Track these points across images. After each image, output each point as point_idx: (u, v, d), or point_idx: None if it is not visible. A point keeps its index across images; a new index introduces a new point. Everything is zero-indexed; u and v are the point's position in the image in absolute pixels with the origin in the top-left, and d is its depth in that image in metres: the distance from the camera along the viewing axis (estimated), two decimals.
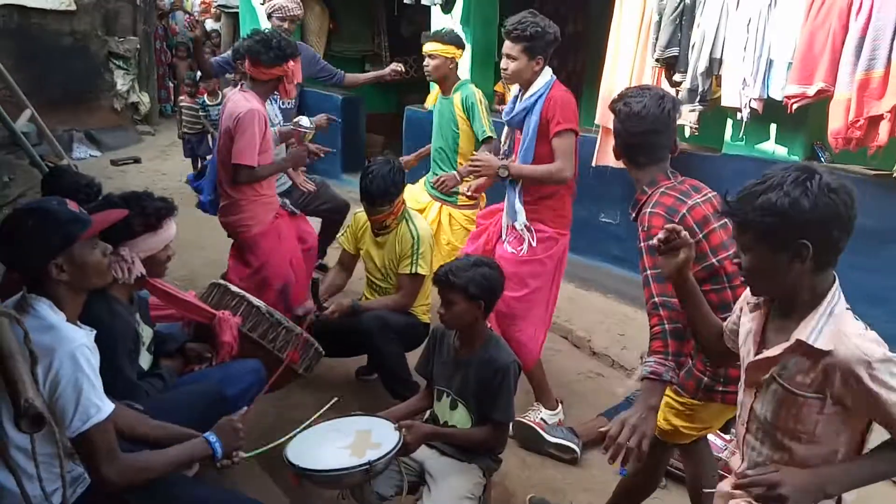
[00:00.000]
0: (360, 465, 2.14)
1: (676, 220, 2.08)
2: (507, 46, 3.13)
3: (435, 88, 4.27)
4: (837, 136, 3.59)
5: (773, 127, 4.14)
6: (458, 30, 5.63)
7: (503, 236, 3.36)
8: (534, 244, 3.24)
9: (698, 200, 2.20)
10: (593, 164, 4.73)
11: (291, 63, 3.57)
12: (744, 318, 1.76)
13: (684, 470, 2.66)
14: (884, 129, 3.45)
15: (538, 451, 3.30)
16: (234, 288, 2.93)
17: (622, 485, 2.63)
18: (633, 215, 2.28)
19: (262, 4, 5.19)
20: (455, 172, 3.89)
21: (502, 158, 3.34)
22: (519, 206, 3.23)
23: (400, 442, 2.25)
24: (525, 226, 3.24)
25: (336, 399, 2.51)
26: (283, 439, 2.28)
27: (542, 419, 3.35)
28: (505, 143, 3.44)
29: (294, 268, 3.77)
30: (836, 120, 3.57)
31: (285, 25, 4.69)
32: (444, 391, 2.61)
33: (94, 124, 9.37)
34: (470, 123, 4.01)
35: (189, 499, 2.03)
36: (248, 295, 2.91)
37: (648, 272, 2.13)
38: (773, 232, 1.50)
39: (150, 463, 1.91)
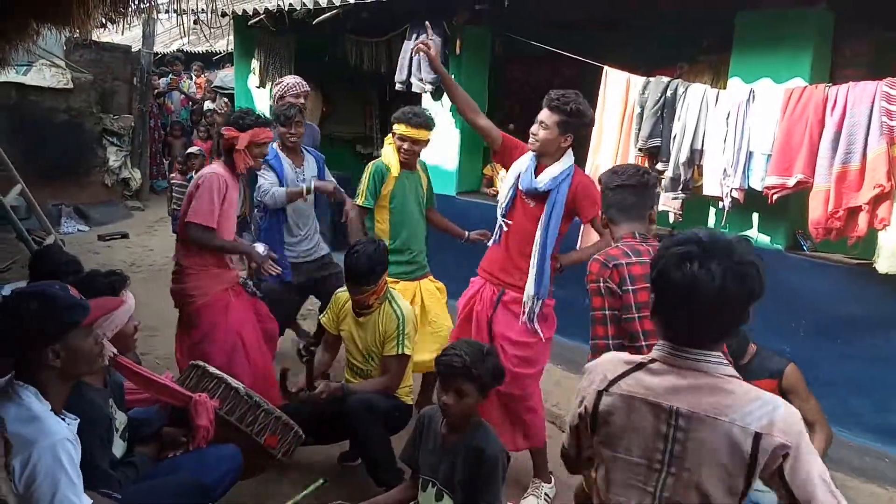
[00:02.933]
0: None
1: (610, 268, 2.27)
2: (544, 115, 3.13)
3: (396, 164, 4.03)
4: (818, 226, 3.66)
5: (755, 215, 4.23)
6: (449, 116, 5.81)
7: (525, 317, 3.25)
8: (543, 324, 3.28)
9: (645, 260, 2.28)
10: (577, 247, 4.78)
11: (244, 134, 3.56)
12: None
13: None
14: (863, 220, 3.53)
15: None
16: (212, 369, 2.89)
17: None
18: None
19: (271, 89, 5.16)
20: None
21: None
22: (546, 281, 3.22)
23: None
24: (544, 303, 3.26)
25: (322, 482, 2.45)
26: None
27: (545, 494, 3.33)
28: (503, 204, 3.34)
29: (247, 347, 3.64)
30: (816, 210, 3.66)
31: (301, 101, 4.66)
32: (429, 480, 2.55)
33: (84, 199, 9.42)
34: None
35: None
36: (226, 377, 2.87)
37: (591, 313, 2.33)
38: (651, 278, 1.55)
39: None
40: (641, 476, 1.50)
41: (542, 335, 3.25)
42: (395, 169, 3.92)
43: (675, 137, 4.21)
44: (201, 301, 3.57)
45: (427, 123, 3.87)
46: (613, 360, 1.58)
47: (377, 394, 3.29)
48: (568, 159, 3.21)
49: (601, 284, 2.28)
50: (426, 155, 6.02)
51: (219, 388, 2.80)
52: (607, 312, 2.28)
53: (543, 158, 3.20)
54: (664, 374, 1.49)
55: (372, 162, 4.05)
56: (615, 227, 2.47)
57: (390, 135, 4.00)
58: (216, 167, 3.62)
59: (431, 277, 4.17)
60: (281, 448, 2.92)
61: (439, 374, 2.48)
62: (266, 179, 4.18)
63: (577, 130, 3.19)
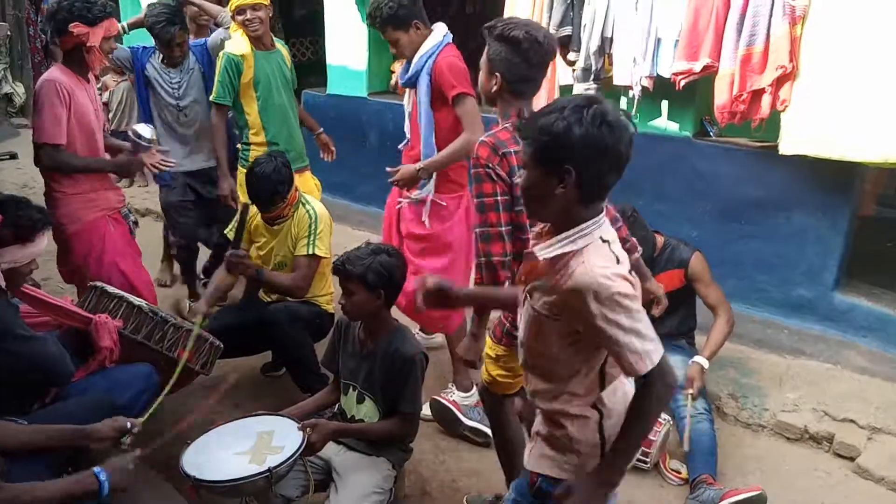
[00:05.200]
0: (261, 473, 2.06)
1: (499, 155, 2.18)
2: (382, 35, 3.15)
3: (247, 49, 3.80)
4: (723, 110, 3.71)
5: (664, 104, 4.25)
6: (354, 10, 5.51)
7: (404, 202, 3.36)
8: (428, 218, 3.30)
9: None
10: None
11: (96, 28, 3.11)
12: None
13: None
14: (766, 102, 3.59)
15: (453, 433, 3.29)
16: (111, 289, 2.74)
17: (498, 453, 2.67)
18: None
19: None
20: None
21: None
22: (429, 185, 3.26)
23: (303, 443, 2.18)
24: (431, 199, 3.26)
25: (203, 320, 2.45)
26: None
27: (454, 401, 3.34)
28: (407, 105, 3.38)
29: (128, 276, 3.36)
30: (722, 94, 3.69)
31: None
32: (350, 384, 2.55)
33: None
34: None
35: None
36: (127, 295, 2.74)
37: (474, 200, 2.22)
38: (546, 153, 1.54)
39: (30, 496, 1.80)
40: None
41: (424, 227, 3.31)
42: (247, 52, 3.75)
43: (585, 26, 4.12)
44: (72, 228, 3.24)
45: None
46: (605, 258, 1.57)
47: (298, 302, 3.25)
48: (431, 40, 3.16)
49: (491, 170, 2.17)
50: (331, 54, 5.79)
51: (120, 307, 2.68)
52: (499, 198, 2.19)
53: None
54: (612, 237, 1.61)
55: (221, 53, 3.82)
56: (509, 100, 2.29)
57: (229, 16, 3.85)
58: (53, 72, 3.17)
59: (310, 173, 4.05)
60: (198, 360, 2.84)
61: (333, 274, 2.53)
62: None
63: (413, 16, 3.13)
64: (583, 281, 1.52)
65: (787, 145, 3.58)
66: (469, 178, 2.27)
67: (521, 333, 1.78)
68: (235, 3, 3.67)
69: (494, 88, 2.28)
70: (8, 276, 2.20)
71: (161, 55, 4.02)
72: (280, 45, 3.98)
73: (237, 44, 3.80)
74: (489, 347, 2.44)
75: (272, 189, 3.12)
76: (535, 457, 1.80)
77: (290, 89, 3.95)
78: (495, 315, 2.47)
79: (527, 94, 2.31)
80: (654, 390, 1.56)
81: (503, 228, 2.19)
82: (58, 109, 3.08)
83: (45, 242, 2.35)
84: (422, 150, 3.24)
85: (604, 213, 1.61)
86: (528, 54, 2.22)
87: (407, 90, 3.38)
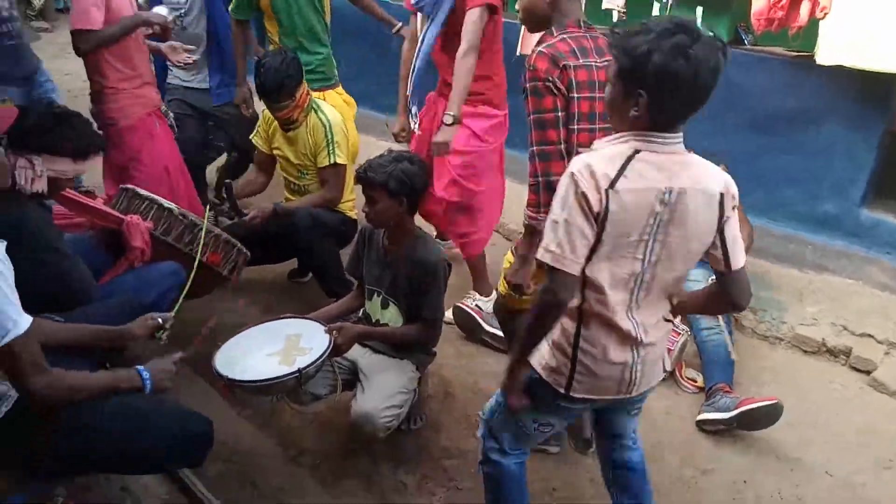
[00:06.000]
0: (291, 373, 2.14)
1: (560, 67, 2.10)
2: None
3: None
4: (760, 16, 3.58)
5: (699, 9, 4.09)
6: None
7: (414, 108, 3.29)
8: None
9: (593, 63, 2.17)
10: (518, 52, 4.62)
11: None
12: None
13: None
14: (804, 9, 3.45)
15: (474, 338, 3.38)
16: (142, 191, 2.78)
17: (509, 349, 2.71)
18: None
19: None
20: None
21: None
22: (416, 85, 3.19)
23: (330, 345, 2.25)
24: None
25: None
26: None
27: (477, 306, 3.41)
28: (421, 34, 3.22)
29: (174, 178, 3.49)
30: (759, 0, 3.55)
31: None
32: (374, 290, 2.61)
33: None
34: None
35: (122, 407, 1.99)
36: (158, 198, 2.77)
37: (531, 117, 2.16)
38: (624, 73, 1.54)
39: (80, 383, 1.85)
40: (632, 249, 1.61)
41: (480, 142, 3.21)
42: None
43: None
44: (125, 123, 3.36)
45: None
46: (602, 158, 1.57)
47: (322, 209, 3.28)
48: None
49: (551, 83, 2.10)
50: None
51: (151, 209, 2.71)
52: (559, 114, 2.13)
53: None
54: (654, 162, 1.57)
55: None
56: (564, 10, 2.23)
57: None
58: None
59: (340, 89, 3.97)
60: (226, 265, 2.89)
61: (355, 182, 2.53)
62: None
63: None
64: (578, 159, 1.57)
65: (825, 54, 3.47)
66: (524, 91, 2.16)
67: None
68: None
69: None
70: (51, 184, 2.24)
71: None
72: None
73: None
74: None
75: (279, 81, 3.08)
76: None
77: (316, 9, 3.74)
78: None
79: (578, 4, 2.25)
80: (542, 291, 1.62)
81: (562, 146, 2.14)
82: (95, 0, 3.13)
83: (90, 167, 2.39)
84: (415, 70, 3.15)
85: (672, 139, 1.59)
86: None
87: (418, 16, 3.22)
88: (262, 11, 3.72)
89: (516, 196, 4.71)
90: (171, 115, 3.65)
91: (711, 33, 1.52)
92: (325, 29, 3.81)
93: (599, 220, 1.55)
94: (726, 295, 1.73)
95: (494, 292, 3.48)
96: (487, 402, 2.07)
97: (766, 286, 3.69)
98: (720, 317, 3.16)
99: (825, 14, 3.40)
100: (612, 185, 1.53)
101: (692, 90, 1.50)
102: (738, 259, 1.67)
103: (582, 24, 2.24)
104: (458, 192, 3.26)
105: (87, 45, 3.21)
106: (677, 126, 1.58)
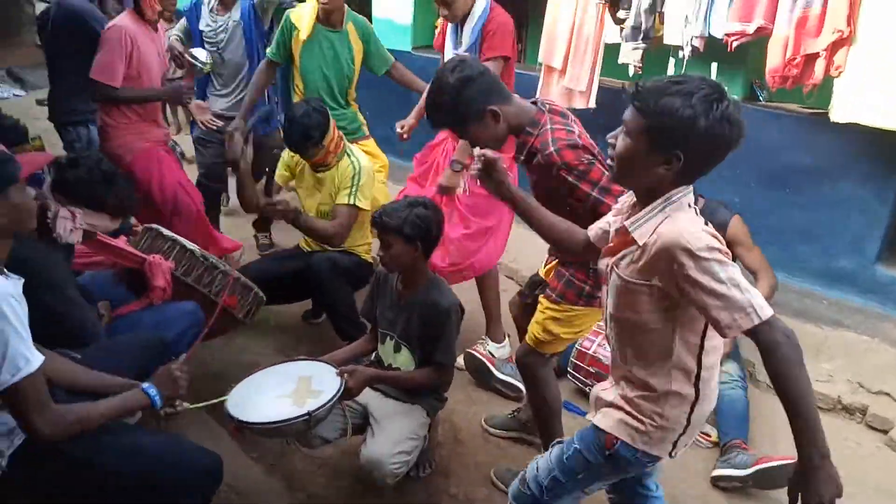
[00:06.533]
0: (300, 416, 2.13)
1: (580, 148, 2.13)
2: None
3: (309, 20, 3.70)
4: (775, 73, 3.62)
5: (713, 66, 4.16)
6: None
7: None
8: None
9: (577, 130, 2.22)
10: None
11: None
12: (613, 219, 1.83)
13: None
14: (819, 67, 3.49)
15: (485, 385, 3.36)
16: (165, 231, 2.84)
17: (535, 415, 2.65)
18: (522, 157, 2.24)
19: None
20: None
21: None
22: None
23: (342, 388, 2.25)
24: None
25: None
26: (226, 397, 2.23)
27: (489, 352, 3.40)
28: None
29: (191, 195, 3.60)
30: (774, 58, 3.60)
31: None
32: (387, 334, 2.62)
33: (16, 61, 8.86)
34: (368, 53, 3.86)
35: (130, 446, 1.99)
36: (180, 238, 2.82)
37: (596, 186, 2.13)
38: (661, 133, 1.52)
39: (84, 414, 1.85)
40: None
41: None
42: (304, 30, 3.64)
43: None
44: (129, 157, 3.48)
45: None
46: (695, 221, 1.55)
47: (339, 252, 3.31)
48: (479, 6, 3.14)
49: (589, 157, 2.13)
50: (377, 7, 5.74)
51: (173, 250, 2.76)
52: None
53: (464, 21, 3.17)
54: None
55: (289, 10, 3.78)
56: (510, 111, 2.20)
57: None
58: (123, 18, 3.41)
59: (367, 143, 3.97)
60: (242, 309, 2.93)
61: (372, 227, 2.55)
62: (173, 30, 3.95)
63: None
64: (670, 238, 1.51)
65: (840, 112, 3.50)
66: (567, 181, 2.14)
67: (609, 307, 1.75)
68: None
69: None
70: (84, 235, 2.31)
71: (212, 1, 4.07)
72: (352, 27, 3.78)
73: (302, 11, 3.71)
74: (555, 310, 2.41)
75: (304, 133, 3.14)
76: (613, 420, 1.79)
77: (342, 71, 3.78)
78: (563, 279, 2.42)
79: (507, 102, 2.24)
80: (779, 351, 1.42)
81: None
82: (117, 55, 3.31)
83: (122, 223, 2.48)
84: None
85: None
86: (467, 85, 2.17)
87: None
88: (292, 63, 3.80)
89: (525, 242, 4.76)
90: (178, 148, 3.74)
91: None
92: (347, 89, 3.86)
93: None
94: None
95: (506, 338, 3.49)
96: (537, 465, 1.97)
97: None
98: (736, 370, 3.13)
99: (840, 72, 3.45)
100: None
101: (728, 149, 1.53)
102: None
103: (541, 104, 2.26)
104: (470, 235, 3.30)
105: (103, 97, 3.39)
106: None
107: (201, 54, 3.59)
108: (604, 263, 1.77)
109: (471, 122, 2.19)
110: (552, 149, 2.13)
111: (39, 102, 7.96)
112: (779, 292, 3.52)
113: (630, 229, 1.62)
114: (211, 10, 4.09)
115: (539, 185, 2.27)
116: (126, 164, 3.45)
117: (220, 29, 4.09)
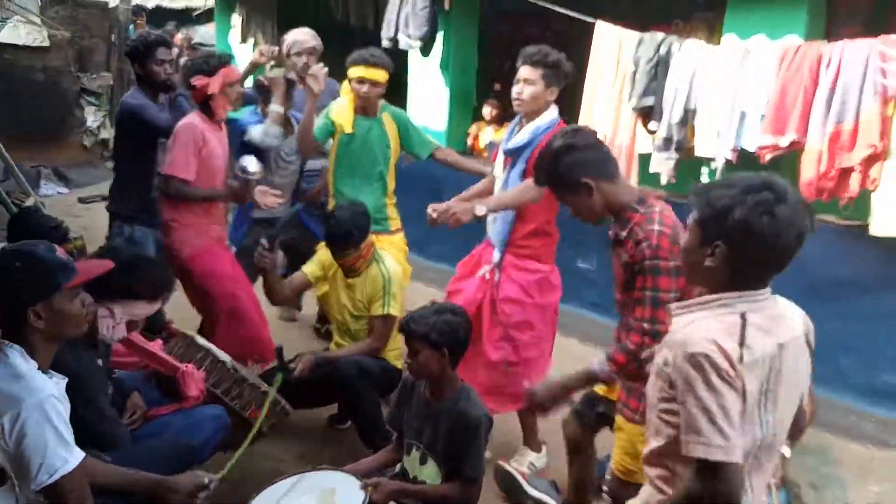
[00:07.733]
0: None
1: (677, 248, 2.04)
2: (526, 71, 3.03)
3: (348, 114, 3.78)
4: (810, 186, 3.62)
5: None
6: (438, 73, 5.68)
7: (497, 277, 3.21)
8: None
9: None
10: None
11: (214, 77, 3.41)
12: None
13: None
14: (854, 180, 3.49)
15: (515, 501, 3.20)
16: (200, 340, 2.88)
17: None
18: (624, 233, 2.19)
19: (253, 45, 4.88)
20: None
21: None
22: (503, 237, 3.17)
23: (365, 502, 2.16)
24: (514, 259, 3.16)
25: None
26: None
27: (530, 463, 3.28)
28: (499, 172, 3.26)
29: (246, 296, 3.59)
30: (808, 171, 3.61)
31: (303, 60, 4.13)
32: (413, 444, 2.54)
33: (62, 161, 9.22)
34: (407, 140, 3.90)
35: None
36: (214, 348, 2.84)
37: (658, 294, 2.11)
38: (704, 223, 1.55)
39: None
40: (752, 417, 1.53)
41: (531, 297, 3.17)
42: (347, 125, 3.73)
43: (667, 97, 4.13)
44: (187, 252, 3.49)
45: (384, 63, 3.65)
46: (720, 332, 1.48)
47: (368, 357, 3.26)
48: (549, 114, 3.11)
49: (672, 264, 2.08)
50: (412, 114, 5.93)
51: (206, 360, 2.78)
52: (672, 296, 2.08)
53: (529, 117, 3.11)
54: (760, 326, 1.53)
55: (333, 103, 3.85)
56: (609, 188, 2.20)
57: (346, 82, 3.78)
58: (191, 118, 3.52)
59: (395, 238, 3.94)
60: (267, 422, 2.88)
61: (399, 332, 2.55)
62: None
63: (560, 82, 3.08)
64: (677, 337, 1.50)
65: (880, 226, 3.46)
66: (644, 269, 2.13)
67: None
68: (359, 73, 3.62)
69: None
70: (127, 327, 2.32)
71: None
72: (386, 115, 3.85)
73: (340, 109, 3.79)
74: (643, 431, 2.17)
75: (346, 235, 3.17)
76: None
77: (376, 159, 3.82)
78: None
79: (613, 180, 2.26)
80: (700, 492, 1.44)
81: (647, 325, 2.16)
82: (192, 150, 3.41)
83: (165, 302, 2.49)
84: (498, 225, 3.17)
85: (764, 294, 1.58)
86: (575, 156, 2.23)
87: (501, 155, 3.28)
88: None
89: (564, 348, 4.67)
90: (233, 249, 3.80)
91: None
92: (379, 173, 3.86)
93: (742, 398, 1.47)
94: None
95: (543, 448, 3.34)
96: None
97: (828, 462, 3.47)
98: (779, 494, 2.95)
99: (876, 186, 3.43)
100: (742, 359, 1.47)
101: (773, 249, 1.50)
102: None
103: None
104: (509, 346, 3.20)
105: (176, 192, 3.44)
106: (766, 282, 1.58)
107: (251, 164, 3.65)
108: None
109: (565, 188, 2.25)
110: (654, 227, 2.12)
111: (81, 200, 8.24)
112: (823, 409, 3.36)
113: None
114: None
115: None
116: (183, 259, 3.48)
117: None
